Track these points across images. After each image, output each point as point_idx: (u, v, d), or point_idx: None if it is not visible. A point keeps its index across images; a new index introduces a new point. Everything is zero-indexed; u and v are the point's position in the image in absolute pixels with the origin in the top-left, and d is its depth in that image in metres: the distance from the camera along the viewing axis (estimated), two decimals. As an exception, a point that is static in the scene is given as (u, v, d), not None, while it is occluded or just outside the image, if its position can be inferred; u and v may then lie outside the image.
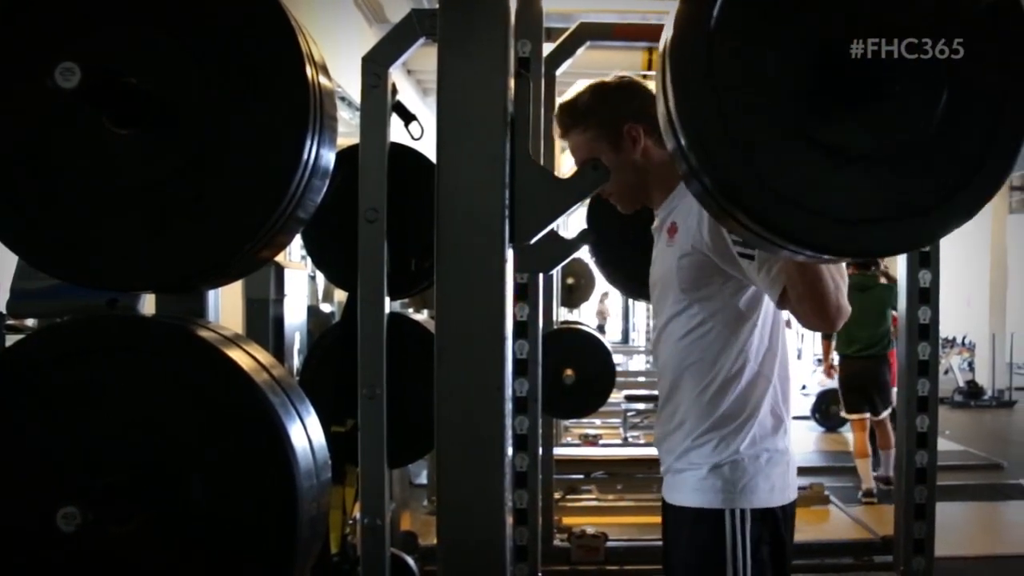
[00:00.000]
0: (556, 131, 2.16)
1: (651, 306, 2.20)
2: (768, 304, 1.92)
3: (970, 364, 15.34)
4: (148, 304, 1.45)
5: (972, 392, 13.26)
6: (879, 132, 1.06)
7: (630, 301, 17.38)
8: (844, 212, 1.07)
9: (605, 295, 18.51)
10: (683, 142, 1.08)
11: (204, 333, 1.21)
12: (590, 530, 3.94)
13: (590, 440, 7.44)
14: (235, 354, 1.19)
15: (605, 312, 19.27)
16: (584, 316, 11.90)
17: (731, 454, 1.91)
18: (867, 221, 1.07)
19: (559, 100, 2.14)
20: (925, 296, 3.20)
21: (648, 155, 2.05)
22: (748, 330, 1.93)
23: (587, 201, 2.66)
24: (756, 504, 1.91)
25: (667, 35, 1.09)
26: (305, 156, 1.19)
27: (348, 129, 6.08)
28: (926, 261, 2.90)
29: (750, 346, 1.93)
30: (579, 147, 2.11)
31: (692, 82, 1.06)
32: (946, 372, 13.24)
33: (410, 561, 2.48)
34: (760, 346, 1.95)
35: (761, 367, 1.95)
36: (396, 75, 1.86)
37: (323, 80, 1.26)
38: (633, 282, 3.35)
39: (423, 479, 5.93)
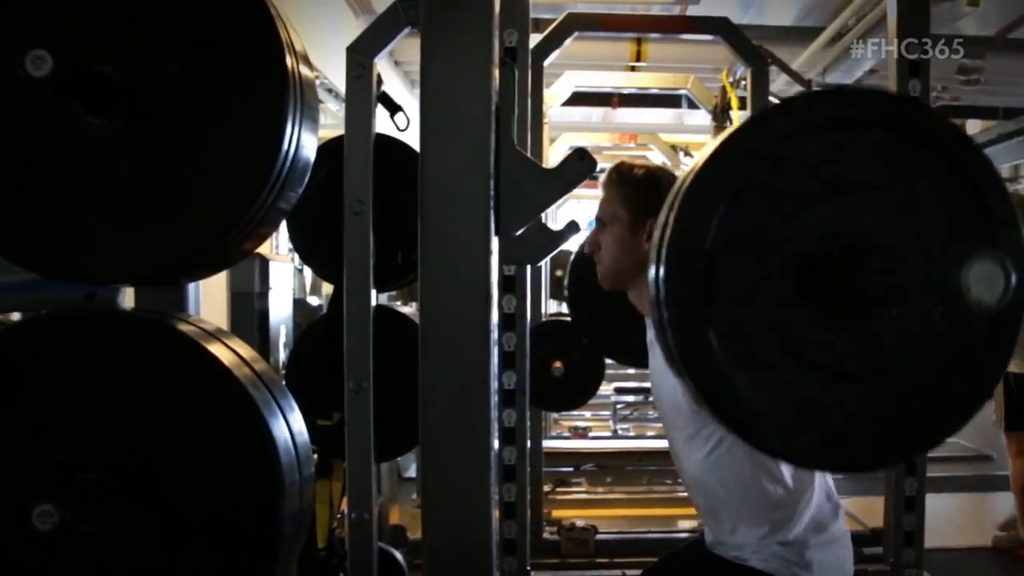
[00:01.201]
0: (600, 182, 2.21)
1: (663, 420, 2.19)
2: None
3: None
4: (128, 298, 1.42)
5: (961, 383, 13.29)
6: (865, 350, 1.05)
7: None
8: (828, 429, 1.06)
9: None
10: (673, 351, 1.07)
11: (184, 327, 1.19)
12: (580, 523, 3.94)
13: (580, 433, 7.44)
14: (216, 348, 1.17)
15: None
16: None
17: (795, 536, 1.90)
18: (850, 438, 1.06)
19: (614, 164, 2.18)
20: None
21: None
22: None
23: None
24: None
25: (659, 251, 1.07)
26: (285, 146, 1.17)
27: (334, 120, 6.05)
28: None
29: None
30: (607, 202, 2.16)
31: (687, 309, 1.05)
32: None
33: (398, 555, 2.47)
34: None
35: None
36: (383, 66, 1.84)
37: (304, 70, 1.24)
38: (612, 344, 3.38)
39: (412, 472, 5.91)
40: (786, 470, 1.91)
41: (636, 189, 2.11)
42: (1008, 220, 1.05)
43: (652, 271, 1.08)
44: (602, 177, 2.23)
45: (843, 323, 1.04)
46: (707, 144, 1.09)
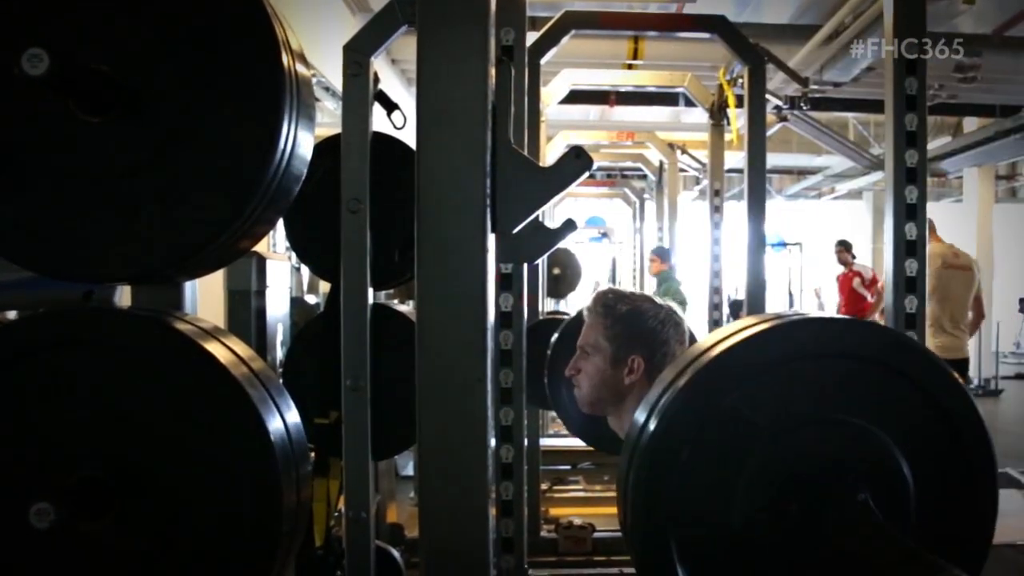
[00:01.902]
0: (584, 308, 2.27)
1: None
2: None
3: (956, 353, 15.39)
4: (125, 296, 1.42)
5: (958, 381, 13.29)
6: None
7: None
8: None
9: (598, 285, 18.48)
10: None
11: (181, 326, 1.19)
12: (577, 521, 3.94)
13: (577, 431, 7.43)
14: (212, 347, 1.17)
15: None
16: (571, 307, 11.89)
17: None
18: None
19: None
20: (911, 285, 3.19)
21: (634, 386, 2.12)
22: None
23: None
24: None
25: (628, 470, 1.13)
26: (281, 144, 1.17)
27: (331, 119, 6.05)
28: (912, 250, 2.89)
29: None
30: (590, 331, 2.19)
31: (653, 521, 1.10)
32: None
33: (396, 554, 2.47)
34: None
35: None
36: (379, 65, 1.84)
37: (300, 68, 1.24)
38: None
39: (410, 471, 5.91)
40: None
41: (619, 324, 2.15)
42: (986, 467, 1.15)
43: (623, 469, 1.15)
44: (587, 304, 2.27)
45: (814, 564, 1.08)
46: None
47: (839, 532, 1.05)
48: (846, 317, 1.28)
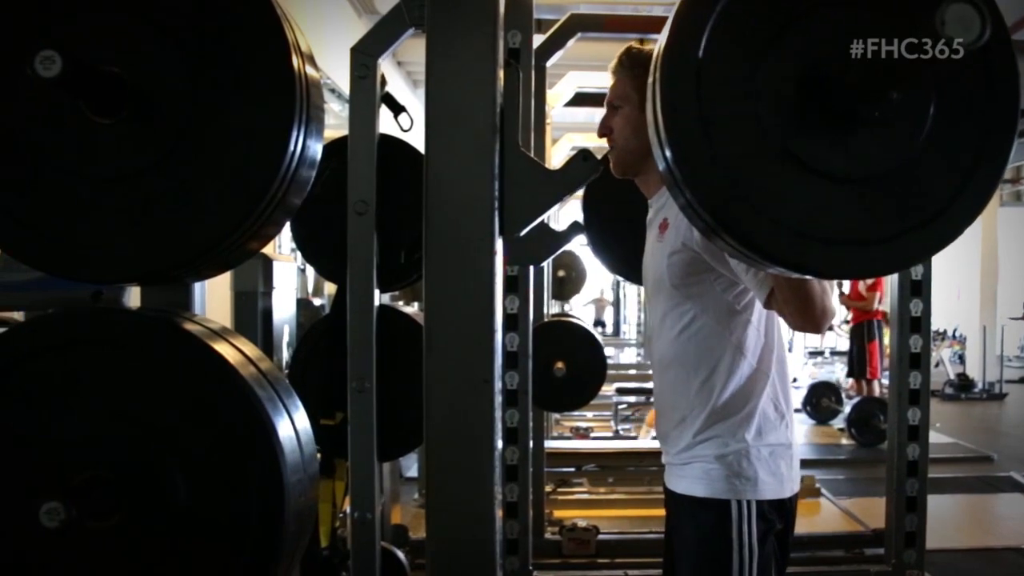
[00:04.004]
0: (609, 68, 2.17)
1: (645, 301, 2.22)
2: None
3: (961, 357, 15.38)
4: (134, 297, 1.43)
5: (963, 385, 13.28)
6: (865, 155, 1.06)
7: (621, 294, 17.37)
8: (830, 233, 1.07)
9: (602, 290, 18.43)
10: (670, 159, 1.09)
11: (189, 326, 1.19)
12: (581, 523, 3.94)
13: (581, 433, 7.44)
14: (221, 347, 1.17)
15: (603, 304, 19.14)
16: (576, 309, 11.89)
17: (736, 446, 1.92)
18: (854, 242, 1.08)
19: (626, 48, 2.16)
20: (917, 289, 3.20)
21: None
22: (742, 326, 1.94)
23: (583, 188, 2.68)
24: (762, 496, 1.91)
25: (656, 62, 1.10)
26: (291, 147, 1.17)
27: (338, 121, 6.06)
28: None
29: (745, 341, 1.94)
30: (617, 87, 2.13)
31: (680, 107, 1.07)
32: (937, 365, 13.25)
33: (400, 555, 2.47)
34: (756, 342, 1.96)
35: (759, 363, 1.96)
36: (385, 66, 1.85)
37: (310, 70, 1.24)
38: (625, 265, 3.34)
39: (414, 472, 5.92)
40: (748, 361, 1.94)
41: (645, 69, 2.09)
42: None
43: (648, 102, 1.11)
44: (611, 63, 2.20)
45: (840, 130, 1.06)
46: None
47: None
48: None
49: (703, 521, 1.94)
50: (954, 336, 16.18)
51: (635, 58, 2.10)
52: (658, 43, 1.11)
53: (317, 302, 4.61)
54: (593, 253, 3.34)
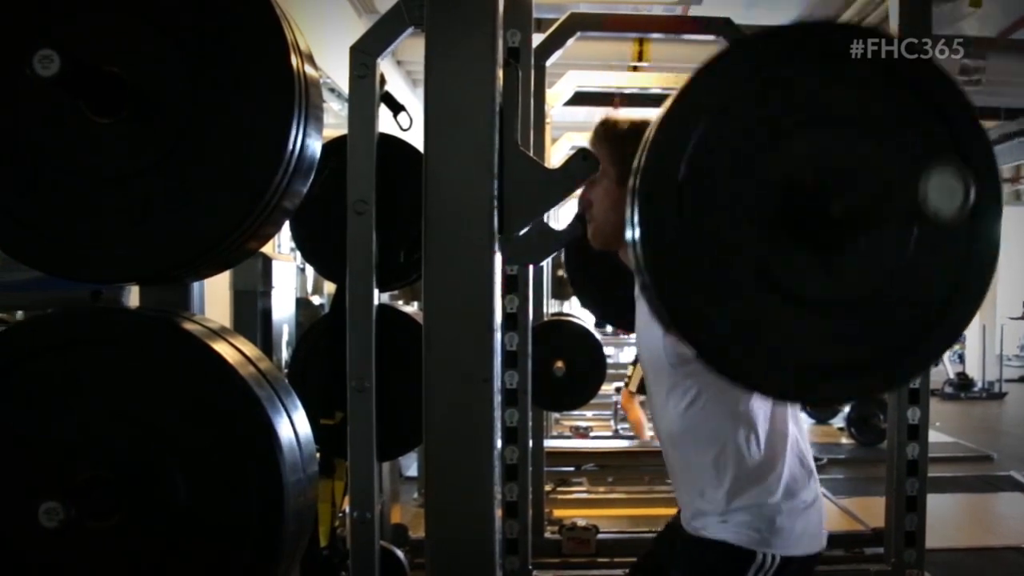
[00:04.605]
0: (590, 138, 2.17)
1: (645, 376, 2.18)
2: None
3: (960, 356, 15.37)
4: (133, 296, 1.43)
5: (962, 384, 13.28)
6: (842, 279, 1.04)
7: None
8: (804, 358, 1.05)
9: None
10: (647, 279, 1.07)
11: (189, 326, 1.19)
12: (581, 522, 3.94)
13: (581, 432, 7.44)
14: (220, 347, 1.17)
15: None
16: (575, 308, 11.87)
17: (771, 505, 1.87)
18: (824, 370, 1.06)
19: (604, 118, 2.14)
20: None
21: None
22: (748, 393, 1.86)
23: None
24: (794, 552, 1.87)
25: (636, 179, 1.08)
26: (290, 146, 1.17)
27: (337, 120, 6.06)
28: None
29: (753, 408, 1.88)
30: (599, 158, 2.11)
31: (660, 225, 1.05)
32: (936, 364, 13.23)
33: (400, 554, 2.47)
34: (765, 403, 1.90)
35: (773, 422, 1.90)
36: (385, 66, 1.85)
37: (309, 69, 1.24)
38: (616, 315, 3.37)
39: (413, 472, 5.92)
40: (762, 427, 1.89)
41: (622, 143, 2.03)
42: (976, 136, 1.06)
43: (627, 207, 1.08)
44: (589, 134, 2.19)
45: (817, 253, 1.04)
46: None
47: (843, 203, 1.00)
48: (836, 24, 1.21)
49: (720, 566, 1.90)
50: (954, 335, 16.16)
51: (612, 130, 2.10)
52: (638, 155, 1.10)
53: (316, 301, 4.61)
54: (581, 304, 3.35)
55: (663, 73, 6.78)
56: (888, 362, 1.06)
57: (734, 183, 1.03)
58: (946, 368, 13.72)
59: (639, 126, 2.10)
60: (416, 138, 1.41)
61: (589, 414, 8.01)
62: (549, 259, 1.41)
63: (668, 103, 1.06)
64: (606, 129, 2.11)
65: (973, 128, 1.07)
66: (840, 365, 1.05)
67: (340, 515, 2.34)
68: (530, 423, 3.08)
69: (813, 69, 1.05)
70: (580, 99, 5.73)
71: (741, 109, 1.04)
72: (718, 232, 1.04)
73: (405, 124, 2.10)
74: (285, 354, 2.63)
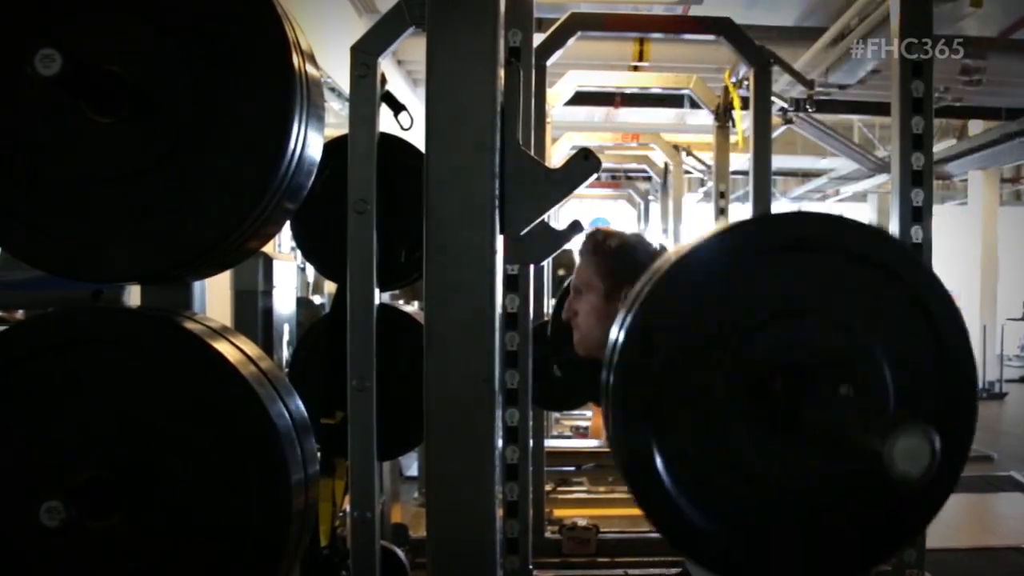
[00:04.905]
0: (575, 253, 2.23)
1: None
2: None
3: (961, 356, 15.34)
4: (134, 296, 1.43)
5: (963, 384, 13.25)
6: (809, 472, 1.06)
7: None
8: (773, 548, 1.07)
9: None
10: (618, 467, 1.10)
11: (190, 325, 1.19)
12: (581, 522, 3.94)
13: (581, 432, 7.44)
14: (222, 346, 1.17)
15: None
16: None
17: None
18: (794, 557, 1.07)
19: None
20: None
21: None
22: None
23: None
24: None
25: (608, 374, 1.09)
26: (292, 145, 1.17)
27: (338, 120, 6.06)
28: (918, 253, 2.90)
29: None
30: (583, 270, 2.19)
31: (633, 422, 1.06)
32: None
33: (400, 554, 2.47)
34: None
35: None
36: (386, 65, 1.84)
37: (310, 69, 1.24)
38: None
39: (414, 471, 5.92)
40: None
41: (610, 259, 2.14)
42: (959, 347, 1.08)
43: (603, 375, 1.10)
44: (577, 244, 2.24)
45: (788, 445, 1.05)
46: (668, 253, 1.13)
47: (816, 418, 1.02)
48: (828, 214, 1.24)
49: None
50: (954, 335, 16.14)
51: (599, 245, 2.15)
52: (610, 337, 1.11)
53: (317, 300, 4.60)
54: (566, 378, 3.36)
55: (664, 73, 6.80)
56: (863, 548, 1.08)
57: (705, 377, 1.06)
58: (947, 368, 13.68)
59: (627, 243, 2.18)
60: (417, 137, 1.41)
61: (589, 413, 8.01)
62: (549, 259, 1.41)
63: (643, 293, 1.08)
64: (595, 244, 2.17)
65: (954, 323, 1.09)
66: (809, 553, 1.08)
67: (341, 514, 2.33)
68: (531, 423, 3.08)
69: (784, 261, 1.08)
70: (581, 99, 5.73)
71: (711, 304, 1.06)
72: (689, 422, 1.06)
73: (406, 124, 2.10)
74: (286, 353, 2.63)
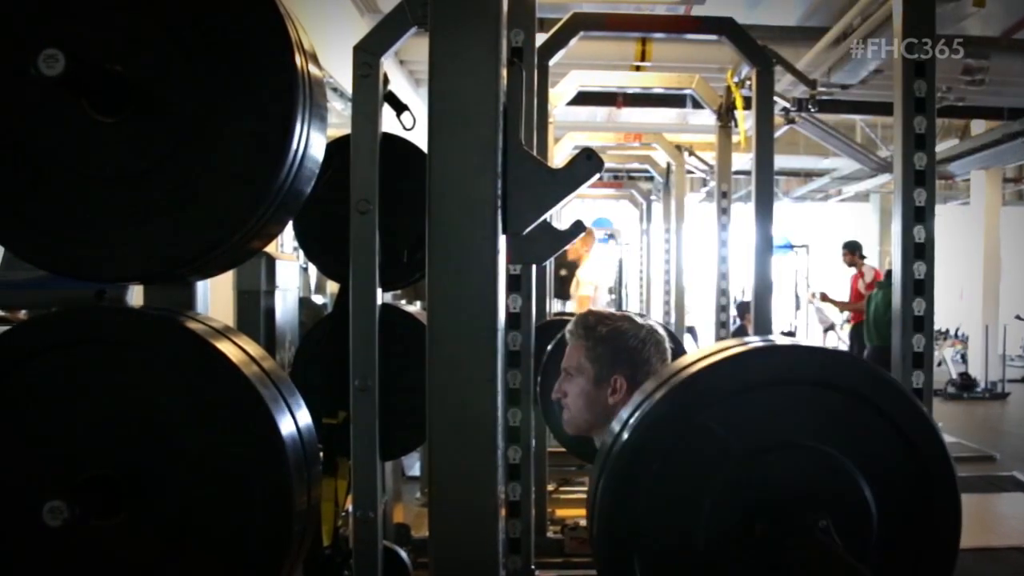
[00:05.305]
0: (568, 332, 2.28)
1: None
2: None
3: (963, 356, 15.34)
4: (137, 296, 1.43)
5: (965, 384, 13.25)
6: None
7: (623, 292, 17.34)
8: None
9: (611, 289, 18.38)
10: None
11: (193, 325, 1.19)
12: (583, 522, 3.93)
13: (583, 432, 7.42)
14: (224, 346, 1.17)
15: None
16: (577, 308, 11.87)
17: None
18: None
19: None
20: (920, 288, 3.19)
21: (618, 405, 2.12)
22: None
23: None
24: None
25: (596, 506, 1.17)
26: (294, 145, 1.17)
27: (340, 120, 6.06)
28: (920, 253, 2.89)
29: None
30: (573, 355, 2.24)
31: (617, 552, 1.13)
32: (939, 364, 13.22)
33: (403, 553, 2.47)
34: None
35: None
36: (388, 65, 1.84)
37: (313, 69, 1.24)
38: None
39: (416, 471, 5.91)
40: None
41: (600, 344, 2.18)
42: (945, 478, 1.15)
43: (587, 520, 1.18)
44: (569, 327, 2.29)
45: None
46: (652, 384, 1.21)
47: (796, 556, 1.07)
48: (822, 347, 1.29)
49: None
50: (956, 335, 16.14)
51: (590, 330, 2.19)
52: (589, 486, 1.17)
53: (319, 301, 4.61)
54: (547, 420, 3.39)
55: (666, 73, 6.80)
56: None
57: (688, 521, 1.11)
58: (949, 368, 13.71)
59: (617, 328, 2.22)
60: (419, 137, 1.41)
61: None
62: (551, 259, 1.41)
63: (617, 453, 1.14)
64: (586, 328, 2.22)
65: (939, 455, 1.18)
66: None
67: (343, 514, 2.33)
68: (533, 423, 3.08)
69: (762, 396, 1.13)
70: (583, 99, 5.73)
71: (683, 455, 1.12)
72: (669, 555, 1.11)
73: (408, 124, 2.10)
74: (288, 353, 2.63)
